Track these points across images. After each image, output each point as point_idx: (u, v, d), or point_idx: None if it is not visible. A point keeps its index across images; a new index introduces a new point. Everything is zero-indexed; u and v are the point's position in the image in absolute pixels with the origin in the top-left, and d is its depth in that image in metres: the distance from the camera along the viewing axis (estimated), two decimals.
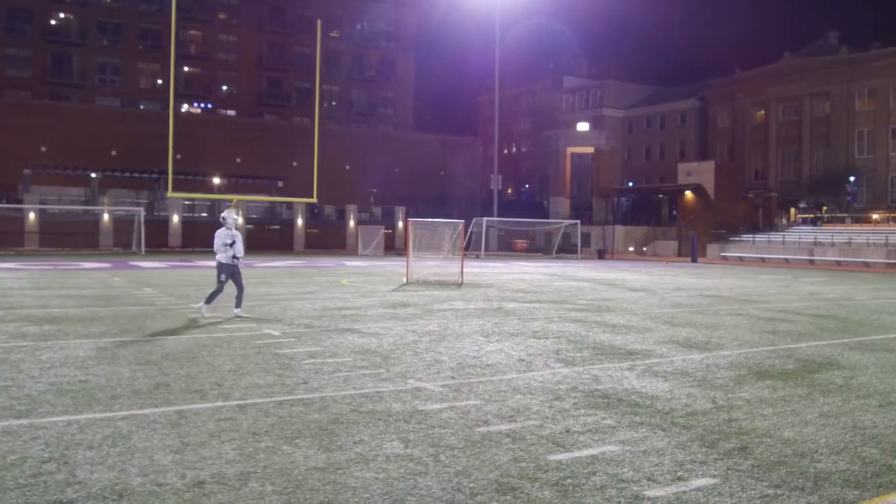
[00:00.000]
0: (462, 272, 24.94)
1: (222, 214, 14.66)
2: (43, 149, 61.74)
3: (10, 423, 6.48)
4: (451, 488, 5.03)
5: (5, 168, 58.49)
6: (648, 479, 5.30)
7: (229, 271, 14.33)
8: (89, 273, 27.50)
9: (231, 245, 14.26)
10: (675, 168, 76.36)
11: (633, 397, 7.93)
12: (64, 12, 71.07)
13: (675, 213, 72.62)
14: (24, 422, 6.52)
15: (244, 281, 14.91)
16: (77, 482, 5.02)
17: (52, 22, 70.76)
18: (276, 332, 12.21)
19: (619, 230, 67.84)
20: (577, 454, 5.84)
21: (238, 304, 14.51)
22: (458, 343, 11.39)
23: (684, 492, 5.08)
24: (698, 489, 5.14)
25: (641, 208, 77.40)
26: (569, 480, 5.24)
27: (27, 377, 8.41)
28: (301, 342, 11.23)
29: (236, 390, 7.88)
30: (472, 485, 5.10)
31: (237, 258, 14.36)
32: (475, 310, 16.28)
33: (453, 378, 8.72)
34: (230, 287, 14.53)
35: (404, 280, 24.97)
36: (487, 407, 7.32)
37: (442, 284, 23.78)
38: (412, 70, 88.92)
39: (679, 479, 5.34)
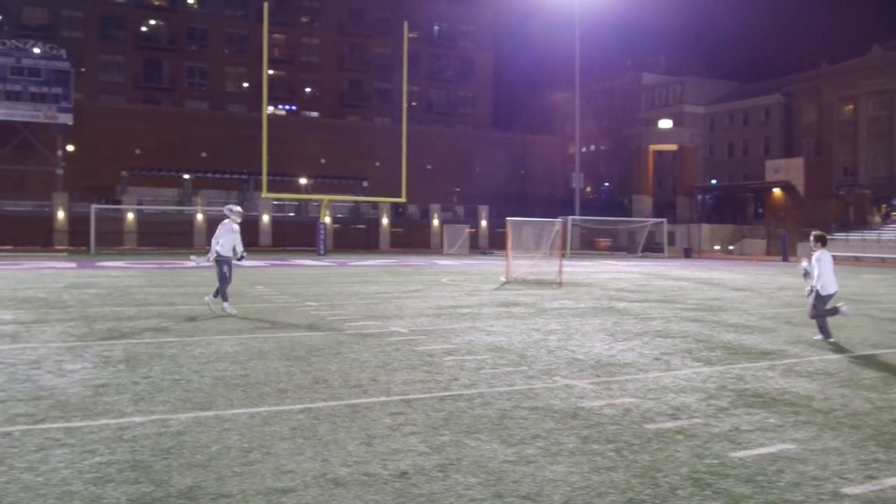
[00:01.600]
0: (561, 271, 24.95)
1: (228, 207, 15.51)
2: (137, 151, 63.90)
3: (197, 414, 6.85)
4: (647, 482, 5.16)
5: (104, 170, 60.75)
6: (839, 478, 5.34)
7: (230, 263, 14.90)
8: (194, 271, 28.37)
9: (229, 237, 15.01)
10: (759, 165, 74.77)
11: (787, 397, 7.93)
12: (154, 19, 73.38)
13: (761, 210, 71.12)
14: (210, 413, 6.88)
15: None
16: (288, 470, 5.31)
17: (144, 29, 73.10)
18: (403, 330, 12.49)
19: (705, 228, 66.77)
20: (756, 452, 5.91)
21: (216, 295, 14.91)
22: (587, 341, 11.50)
23: (882, 490, 5.11)
24: (895, 488, 5.16)
25: (726, 206, 75.98)
26: (760, 477, 5.32)
27: (190, 371, 8.83)
28: (432, 340, 11.48)
29: (393, 386, 8.15)
30: (667, 479, 5.22)
31: (242, 257, 15.24)
32: (587, 309, 16.34)
33: (598, 376, 8.84)
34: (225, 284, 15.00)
35: (503, 279, 25.12)
36: (645, 404, 7.42)
37: (541, 283, 23.86)
38: (490, 69, 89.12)
39: (870, 477, 5.36)
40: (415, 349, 10.58)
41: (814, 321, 12.17)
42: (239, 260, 15.00)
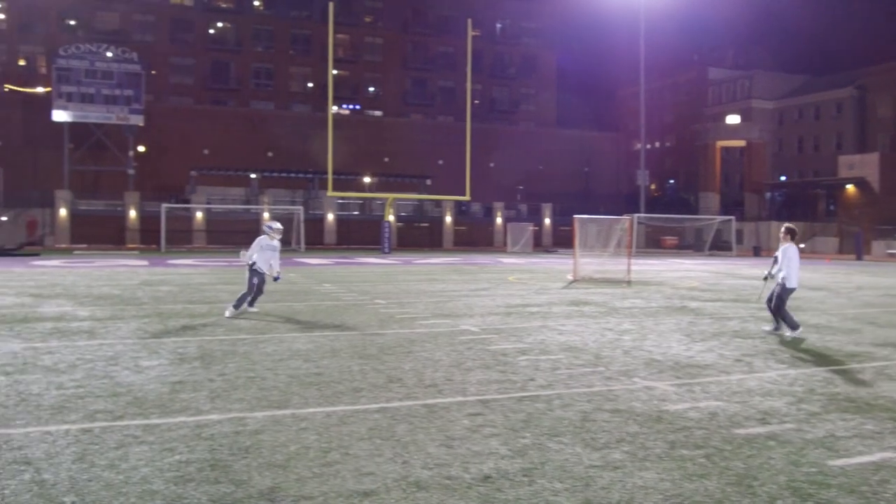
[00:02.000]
0: (629, 270, 24.52)
1: (268, 224, 14.82)
2: (205, 151, 65.04)
3: (273, 412, 6.80)
4: (743, 491, 4.91)
5: (173, 170, 62.01)
6: None
7: (263, 278, 14.28)
8: None
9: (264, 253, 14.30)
10: (830, 161, 72.73)
11: (881, 401, 7.55)
12: (222, 21, 74.56)
13: (833, 208, 69.20)
14: (287, 412, 6.82)
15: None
16: (368, 472, 5.20)
17: (211, 31, 74.32)
18: (474, 329, 12.35)
19: (775, 226, 65.13)
20: (857, 460, 5.60)
21: (238, 305, 13.95)
22: (663, 342, 11.19)
23: None
24: None
25: (797, 203, 74.14)
26: (864, 488, 5.02)
27: (264, 369, 8.82)
28: (504, 339, 11.31)
29: (469, 385, 8.00)
30: (764, 489, 4.97)
31: (277, 278, 14.54)
32: (659, 308, 15.97)
33: (678, 377, 8.56)
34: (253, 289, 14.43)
35: (570, 277, 24.81)
36: (731, 408, 7.13)
37: (609, 282, 23.48)
38: (553, 66, 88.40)
39: None
40: (487, 348, 10.42)
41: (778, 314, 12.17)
42: (275, 280, 14.46)
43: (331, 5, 43.62)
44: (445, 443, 5.89)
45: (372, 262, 36.32)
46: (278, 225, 14.61)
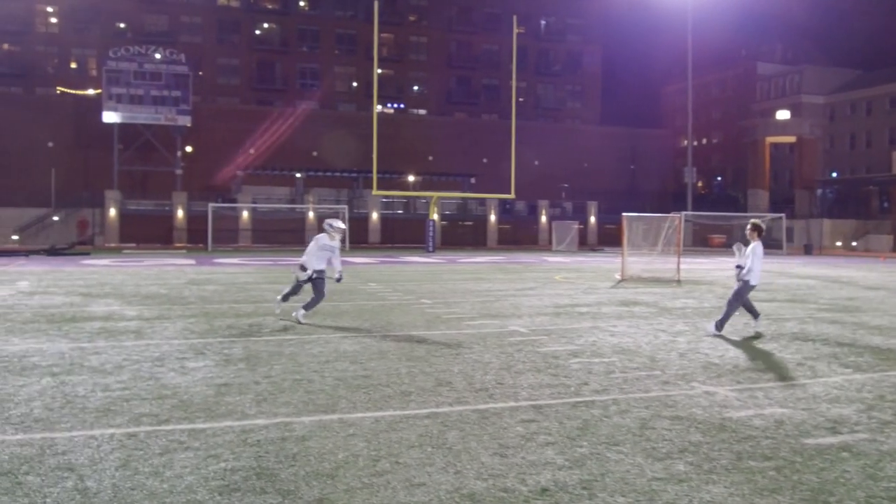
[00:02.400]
0: (679, 269, 24.02)
1: (328, 222, 13.48)
2: (251, 151, 65.54)
3: (320, 417, 6.62)
4: None
5: (220, 170, 62.62)
6: None
7: (324, 278, 13.25)
8: None
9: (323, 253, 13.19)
10: (883, 157, 71.03)
11: None
12: (268, 22, 75.12)
13: (887, 205, 67.51)
14: (334, 417, 6.63)
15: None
16: (419, 483, 4.98)
17: (257, 32, 74.90)
18: (523, 329, 12.08)
19: (826, 224, 63.84)
20: None
21: (309, 308, 13.09)
22: (719, 344, 10.82)
23: None
24: None
25: (849, 200, 72.50)
26: None
27: (311, 371, 8.66)
28: (554, 340, 11.03)
29: (521, 390, 7.74)
30: None
31: (339, 279, 13.41)
32: (713, 309, 15.53)
33: (739, 382, 8.21)
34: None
35: (618, 276, 24.39)
36: (798, 416, 6.78)
37: (659, 281, 23.02)
38: (599, 63, 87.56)
39: None
40: (538, 350, 10.15)
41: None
42: (337, 281, 13.43)
43: (375, 4, 43.55)
44: (499, 451, 5.65)
45: (416, 260, 36.20)
46: (340, 224, 13.55)
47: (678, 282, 22.83)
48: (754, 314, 12.16)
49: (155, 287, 19.69)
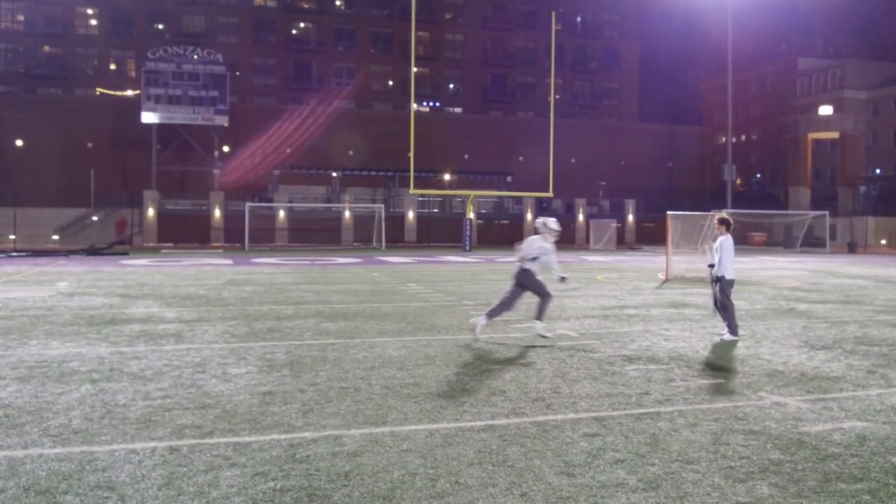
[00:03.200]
0: None
1: (542, 220, 11.71)
2: (288, 150, 65.62)
3: (371, 430, 6.28)
4: None
5: (257, 169, 62.78)
6: None
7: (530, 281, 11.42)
8: (345, 268, 28.50)
9: (534, 259, 11.35)
10: None
11: None
12: (304, 21, 75.18)
13: None
14: (385, 430, 6.29)
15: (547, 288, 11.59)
16: None
17: (294, 31, 75.01)
18: (572, 333, 11.68)
19: (871, 221, 62.37)
20: None
21: (491, 315, 11.43)
22: (780, 350, 10.32)
23: None
24: None
25: (893, 197, 70.81)
26: None
27: (357, 378, 8.34)
28: (606, 345, 10.60)
29: (579, 400, 7.35)
30: None
31: (563, 278, 11.57)
32: (766, 311, 14.99)
33: (809, 392, 7.74)
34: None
35: (662, 276, 23.83)
36: (880, 430, 6.31)
37: (704, 282, 22.38)
38: (636, 59, 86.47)
39: None
40: (590, 356, 9.74)
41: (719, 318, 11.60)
42: (561, 281, 11.61)
43: (413, 2, 43.22)
44: (566, 470, 5.26)
45: (453, 260, 35.84)
46: (554, 225, 11.57)
47: None
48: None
49: (193, 288, 19.54)
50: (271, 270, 26.91)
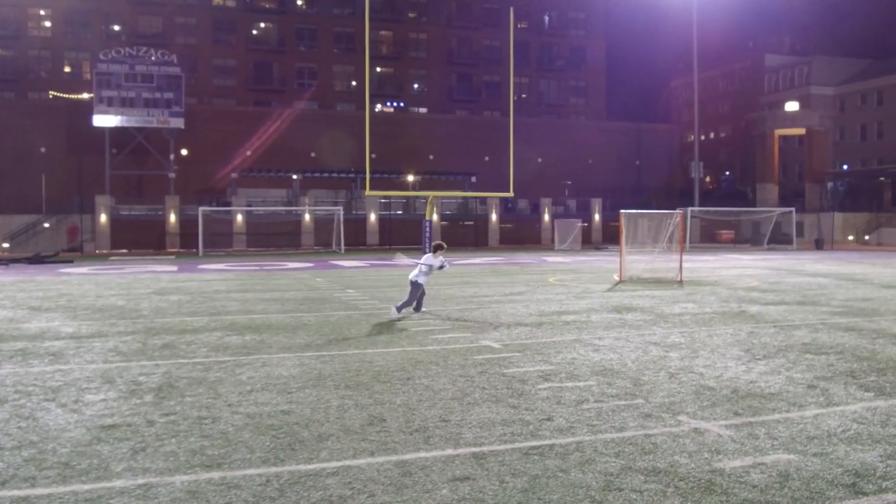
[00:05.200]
0: (681, 268, 22.53)
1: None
2: (248, 153, 64.20)
3: (198, 476, 5.21)
4: None
5: (215, 173, 61.32)
6: None
7: None
8: (293, 274, 27.33)
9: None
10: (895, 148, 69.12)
11: None
12: (265, 22, 73.75)
13: None
14: (215, 475, 5.22)
15: None
16: None
17: (254, 32, 73.58)
18: (495, 345, 10.63)
19: (837, 217, 62.09)
20: None
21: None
22: (717, 360, 9.34)
23: None
24: None
25: (861, 193, 70.70)
26: None
27: (224, 404, 7.26)
28: (527, 358, 9.58)
29: (467, 429, 6.30)
30: None
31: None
32: (714, 314, 14.05)
33: (737, 414, 6.75)
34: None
35: (616, 278, 22.89)
36: (809, 465, 5.32)
37: (659, 282, 21.52)
38: (603, 57, 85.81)
39: None
40: (504, 372, 8.71)
41: None
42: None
43: (367, 1, 42.11)
44: None
45: (406, 264, 34.65)
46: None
47: (680, 282, 21.34)
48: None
49: (115, 298, 18.31)
50: (211, 277, 25.67)
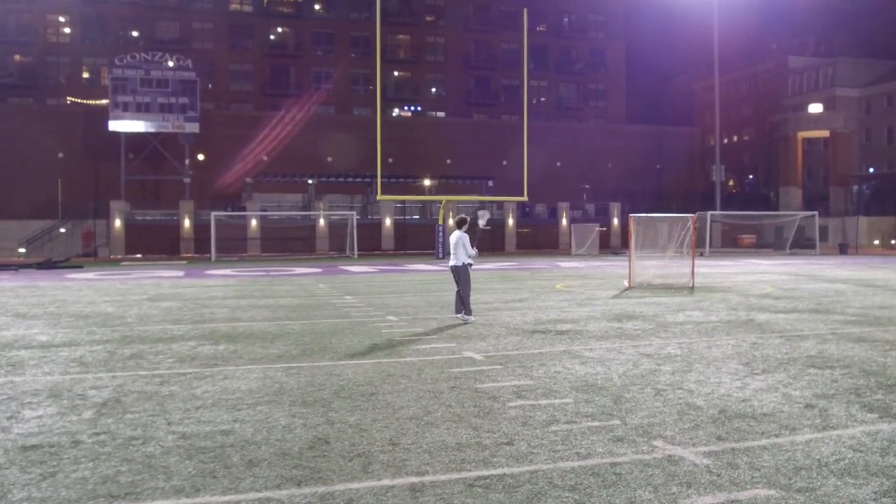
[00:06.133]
0: (693, 274, 21.76)
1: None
2: (265, 158, 63.96)
3: None
4: None
5: (231, 178, 61.13)
6: None
7: None
8: (297, 279, 26.83)
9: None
10: None
11: None
12: (281, 26, 73.62)
13: None
14: None
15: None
16: None
17: (272, 37, 73.47)
18: (478, 357, 9.99)
19: (862, 222, 60.75)
20: None
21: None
22: (711, 375, 8.65)
23: None
24: None
25: (887, 197, 69.19)
26: None
27: (164, 422, 6.70)
28: (508, 371, 8.94)
29: (414, 454, 5.68)
30: None
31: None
32: (720, 323, 13.32)
33: (719, 439, 6.07)
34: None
35: (626, 284, 22.16)
36: (791, 503, 4.65)
37: (670, 289, 20.77)
38: (623, 60, 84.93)
39: None
40: (477, 387, 8.07)
41: None
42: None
43: (378, 3, 41.63)
44: None
45: (421, 269, 34.13)
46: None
47: (691, 289, 20.58)
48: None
49: (106, 305, 17.87)
50: (213, 283, 25.21)
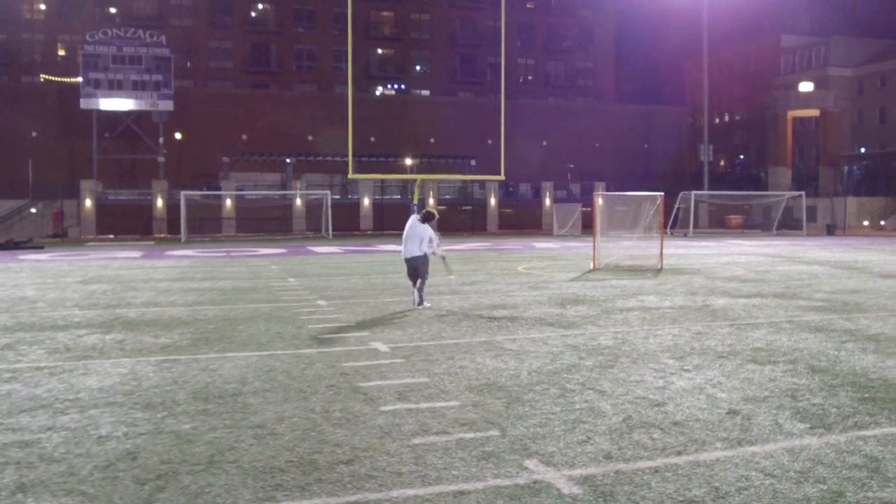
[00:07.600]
0: (661, 255, 20.71)
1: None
2: (244, 137, 62.62)
3: None
4: None
5: (210, 157, 59.73)
6: None
7: None
8: (254, 261, 25.73)
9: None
10: None
11: None
12: (262, 3, 72.01)
13: None
14: None
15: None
16: None
17: (252, 14, 71.88)
18: (383, 348, 8.92)
19: (852, 202, 59.75)
20: None
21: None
22: (634, 371, 7.59)
23: None
24: None
25: (878, 177, 68.11)
26: None
27: None
28: (407, 366, 7.87)
29: (223, 477, 4.61)
30: None
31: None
32: (671, 309, 12.27)
33: (608, 457, 5.00)
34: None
35: (591, 265, 21.10)
36: None
37: (636, 271, 19.72)
38: (612, 38, 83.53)
39: None
40: (359, 386, 7.00)
41: None
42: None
43: None
44: None
45: (390, 249, 33.00)
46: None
47: (657, 271, 19.53)
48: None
49: (30, 288, 16.75)
50: (165, 265, 24.07)
